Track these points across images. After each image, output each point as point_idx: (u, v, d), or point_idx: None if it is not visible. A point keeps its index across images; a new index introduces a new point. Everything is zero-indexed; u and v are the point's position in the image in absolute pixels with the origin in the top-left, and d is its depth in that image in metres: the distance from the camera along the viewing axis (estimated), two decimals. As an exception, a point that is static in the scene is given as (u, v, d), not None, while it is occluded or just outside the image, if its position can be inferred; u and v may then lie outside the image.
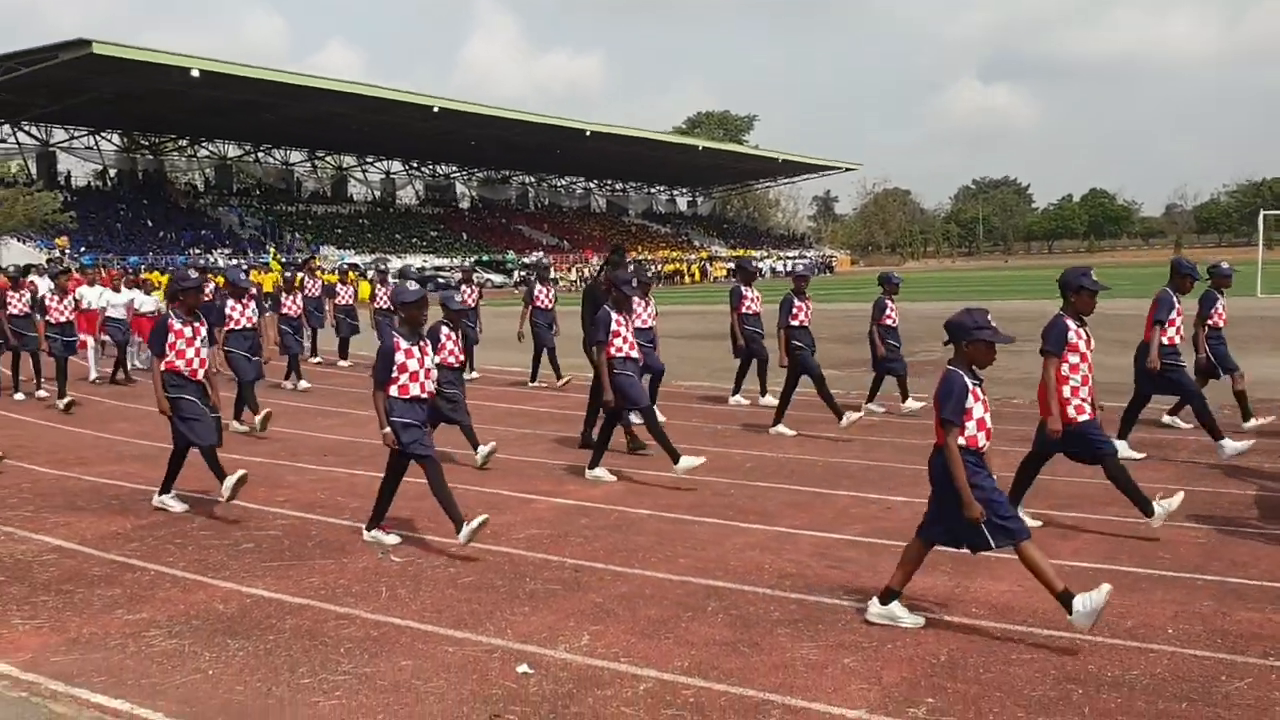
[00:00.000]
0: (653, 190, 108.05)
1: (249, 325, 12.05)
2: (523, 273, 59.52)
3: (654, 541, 6.95)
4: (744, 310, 12.45)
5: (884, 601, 5.30)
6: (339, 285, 20.24)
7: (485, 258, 69.29)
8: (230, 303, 12.07)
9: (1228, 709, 4.24)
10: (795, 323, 11.08)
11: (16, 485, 9.12)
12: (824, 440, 10.54)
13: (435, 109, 61.99)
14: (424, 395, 6.79)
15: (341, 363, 18.93)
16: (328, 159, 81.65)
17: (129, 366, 17.25)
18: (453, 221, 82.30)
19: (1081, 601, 4.90)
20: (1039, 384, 7.00)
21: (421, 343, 6.82)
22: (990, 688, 4.48)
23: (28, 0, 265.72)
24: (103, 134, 67.30)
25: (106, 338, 17.13)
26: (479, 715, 4.32)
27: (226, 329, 11.91)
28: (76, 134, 65.97)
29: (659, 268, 70.51)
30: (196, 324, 7.86)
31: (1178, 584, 5.86)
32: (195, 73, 50.04)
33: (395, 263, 48.42)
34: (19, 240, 46.51)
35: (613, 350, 8.72)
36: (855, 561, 6.41)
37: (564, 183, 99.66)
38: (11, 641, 5.28)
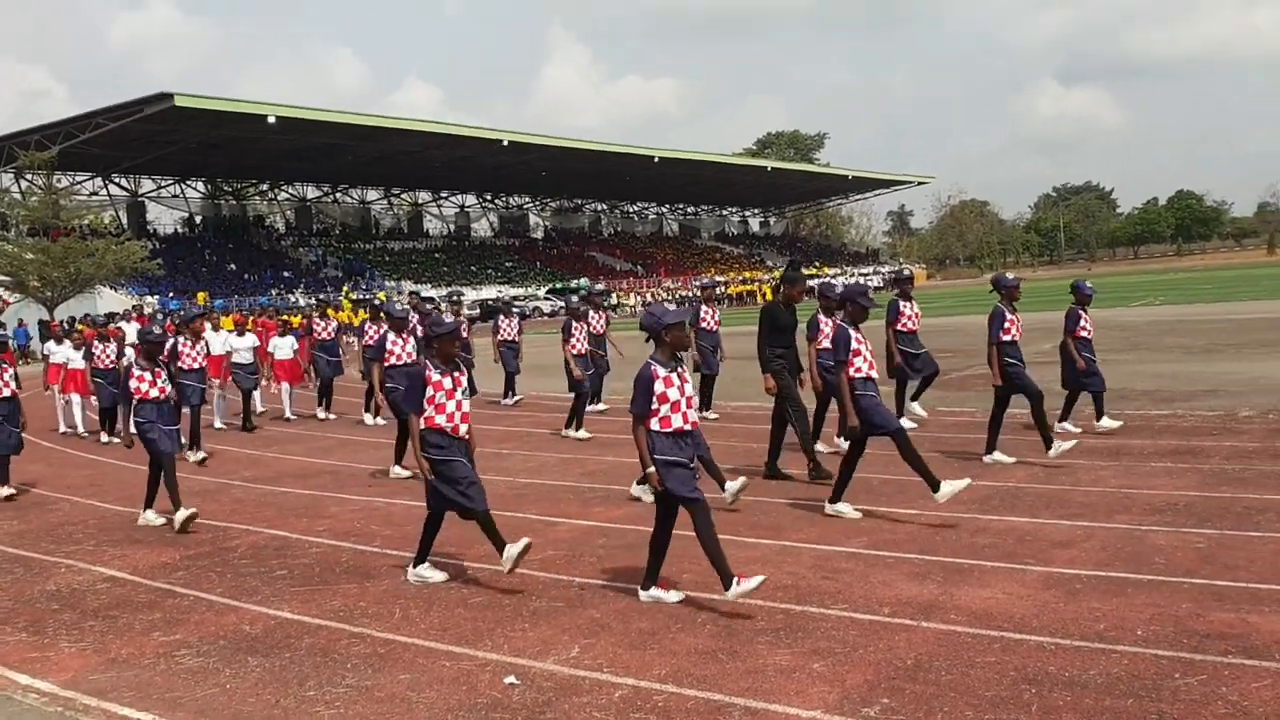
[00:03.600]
0: (724, 212, 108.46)
1: (410, 360, 11.36)
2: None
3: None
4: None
5: None
6: (317, 320, 18.15)
7: (559, 285, 70.17)
8: (391, 337, 11.65)
9: (1171, 704, 4.40)
10: (1007, 338, 10.16)
11: (84, 521, 9.79)
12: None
13: (504, 142, 63.29)
14: (687, 427, 6.12)
15: (320, 413, 17.21)
16: (403, 196, 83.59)
17: (256, 411, 17.06)
18: (526, 252, 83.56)
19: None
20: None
21: (680, 369, 6.18)
22: (947, 689, 4.69)
23: (129, 51, 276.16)
24: (188, 182, 69.92)
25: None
26: (461, 722, 4.66)
27: (386, 364, 11.44)
28: (163, 183, 68.64)
29: (725, 287, 70.65)
30: (456, 373, 6.88)
31: (1163, 588, 5.98)
32: (272, 119, 51.90)
33: (470, 295, 49.52)
34: (111, 288, 48.51)
35: (852, 371, 7.95)
36: (849, 573, 6.63)
37: (636, 208, 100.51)
38: (57, 662, 5.78)
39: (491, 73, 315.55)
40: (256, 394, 17.39)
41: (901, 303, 12.00)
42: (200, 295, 49.43)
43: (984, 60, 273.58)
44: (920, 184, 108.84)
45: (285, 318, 25.08)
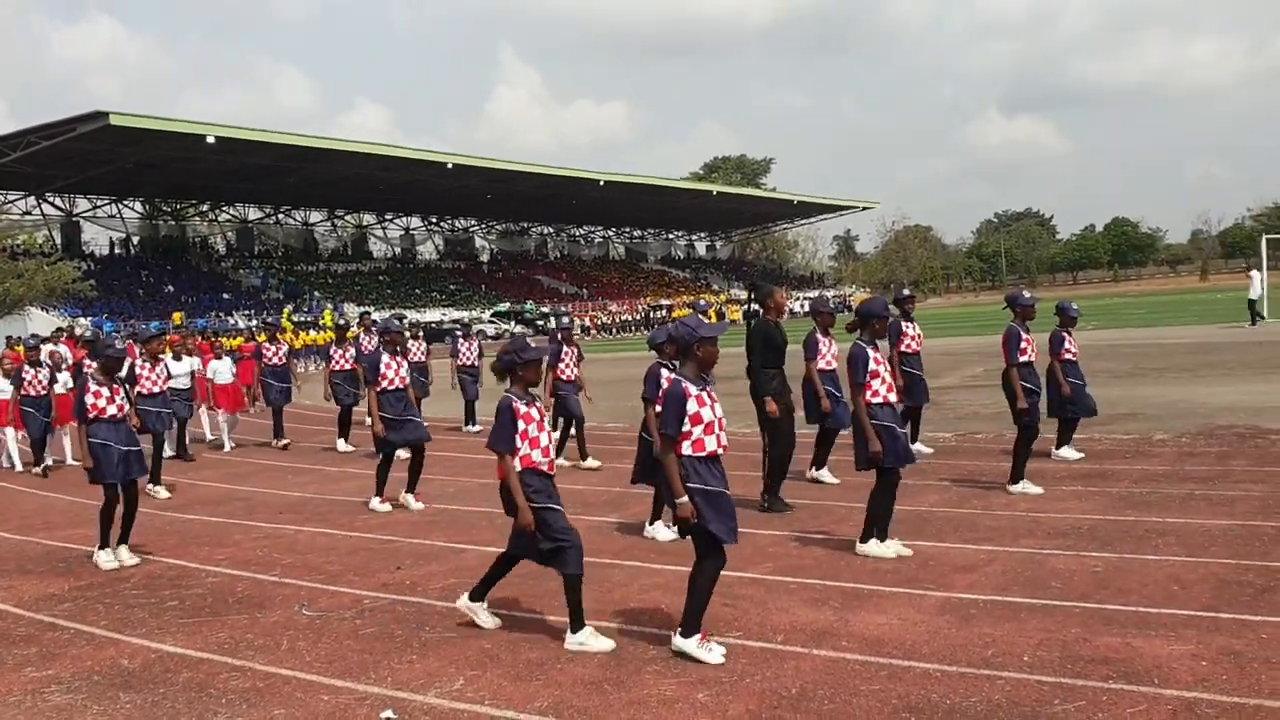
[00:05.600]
0: (671, 236, 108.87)
1: (403, 385, 10.60)
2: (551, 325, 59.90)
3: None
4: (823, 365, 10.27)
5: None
6: (266, 344, 17.05)
7: (503, 308, 69.90)
8: (385, 359, 10.59)
9: (1047, 732, 4.38)
10: (1024, 359, 9.81)
11: (-22, 551, 9.46)
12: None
13: (449, 165, 63.09)
14: (720, 450, 5.62)
15: (275, 442, 16.33)
16: (347, 218, 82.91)
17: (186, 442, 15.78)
18: (472, 274, 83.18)
19: None
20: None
21: (709, 387, 5.66)
22: (826, 718, 4.63)
23: (72, 71, 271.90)
24: (125, 202, 68.81)
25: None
26: (330, 758, 4.52)
27: (379, 389, 10.45)
28: (99, 203, 67.49)
29: (669, 312, 70.80)
30: (539, 404, 6.12)
31: (1056, 612, 5.98)
32: (211, 139, 51.25)
33: (413, 317, 49.09)
34: (42, 309, 47.49)
35: (869, 395, 7.44)
36: (749, 599, 6.56)
37: (582, 231, 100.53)
38: (-80, 701, 5.53)
39: (442, 95, 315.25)
40: (204, 419, 17.00)
41: (904, 323, 11.63)
42: (176, 315, 48.34)
43: (930, 88, 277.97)
44: (865, 209, 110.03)
45: (222, 340, 23.97)
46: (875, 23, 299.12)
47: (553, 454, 6.02)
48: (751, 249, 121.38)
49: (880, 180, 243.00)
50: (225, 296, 62.43)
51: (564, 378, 12.61)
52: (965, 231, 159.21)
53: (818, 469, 10.72)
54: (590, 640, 5.77)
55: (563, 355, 12.67)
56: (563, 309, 60.65)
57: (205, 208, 74.05)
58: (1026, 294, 10.39)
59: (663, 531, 8.39)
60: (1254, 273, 33.57)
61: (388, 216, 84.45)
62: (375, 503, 10.38)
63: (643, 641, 5.82)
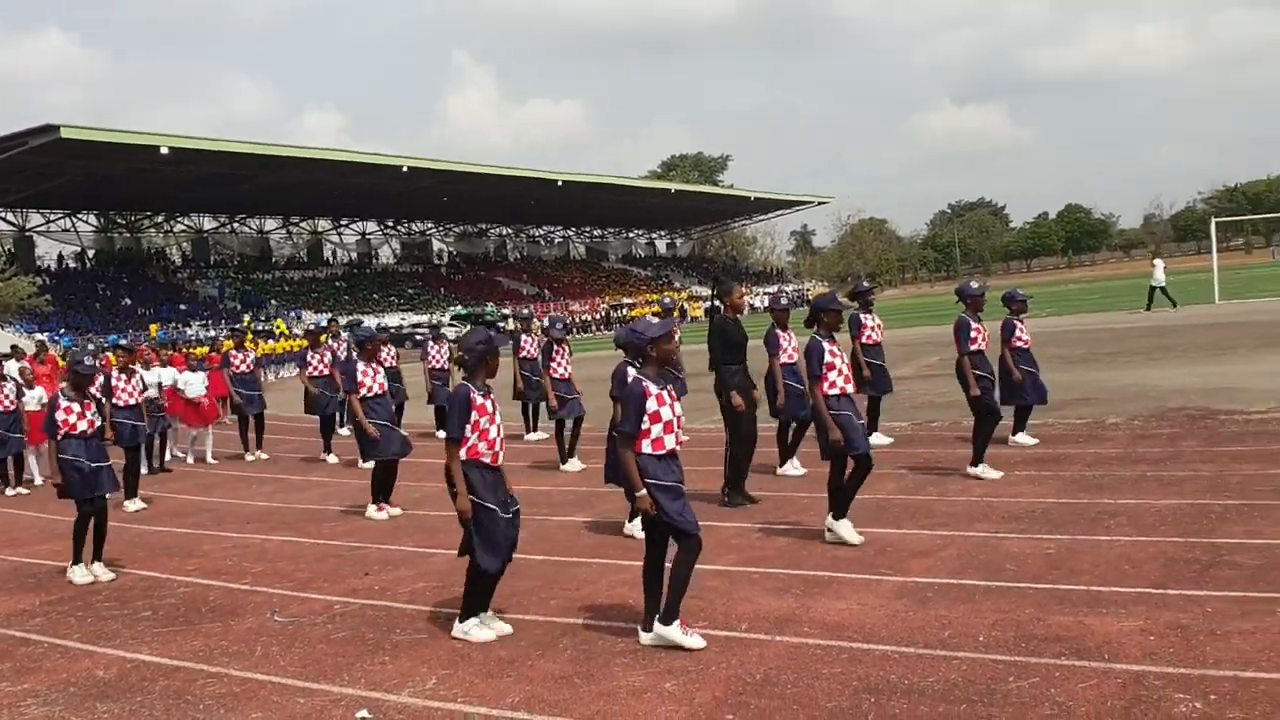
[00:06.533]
0: (632, 234, 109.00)
1: (382, 391, 10.64)
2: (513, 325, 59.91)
3: (536, 585, 7.26)
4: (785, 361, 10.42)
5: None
6: (233, 352, 16.62)
7: (464, 310, 69.73)
8: (361, 366, 10.60)
9: (1002, 707, 4.56)
10: (975, 348, 10.11)
11: (-56, 570, 9.43)
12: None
13: (404, 168, 62.81)
14: (677, 448, 5.79)
15: (249, 456, 16.12)
16: (303, 225, 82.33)
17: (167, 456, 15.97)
18: (430, 278, 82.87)
19: None
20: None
21: (669, 386, 5.82)
22: (790, 701, 4.80)
23: (24, 83, 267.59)
24: (79, 215, 67.94)
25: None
26: (308, 759, 4.63)
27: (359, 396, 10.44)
28: (53, 217, 66.60)
29: (626, 312, 70.97)
30: (494, 397, 6.25)
31: (1010, 593, 6.18)
32: (164, 150, 50.68)
33: (371, 322, 48.94)
34: (-2, 325, 46.90)
35: (826, 386, 7.60)
36: (715, 590, 6.72)
37: (542, 232, 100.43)
38: (-105, 720, 5.57)
39: (395, 98, 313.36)
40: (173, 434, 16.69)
41: (863, 315, 11.84)
42: (153, 327, 47.80)
43: (882, 81, 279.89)
44: (820, 204, 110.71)
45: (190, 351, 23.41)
46: (827, 16, 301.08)
47: (499, 448, 6.18)
48: (711, 246, 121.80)
49: (835, 174, 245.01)
50: (182, 307, 61.80)
51: (558, 376, 12.71)
52: (919, 223, 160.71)
53: (781, 464, 10.89)
54: (474, 630, 6.07)
55: (555, 354, 12.80)
56: (525, 310, 60.59)
57: (160, 219, 73.23)
58: (974, 284, 10.66)
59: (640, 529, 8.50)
60: (1157, 260, 34.74)
61: (343, 222, 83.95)
62: (372, 510, 10.38)
63: (611, 635, 5.96)
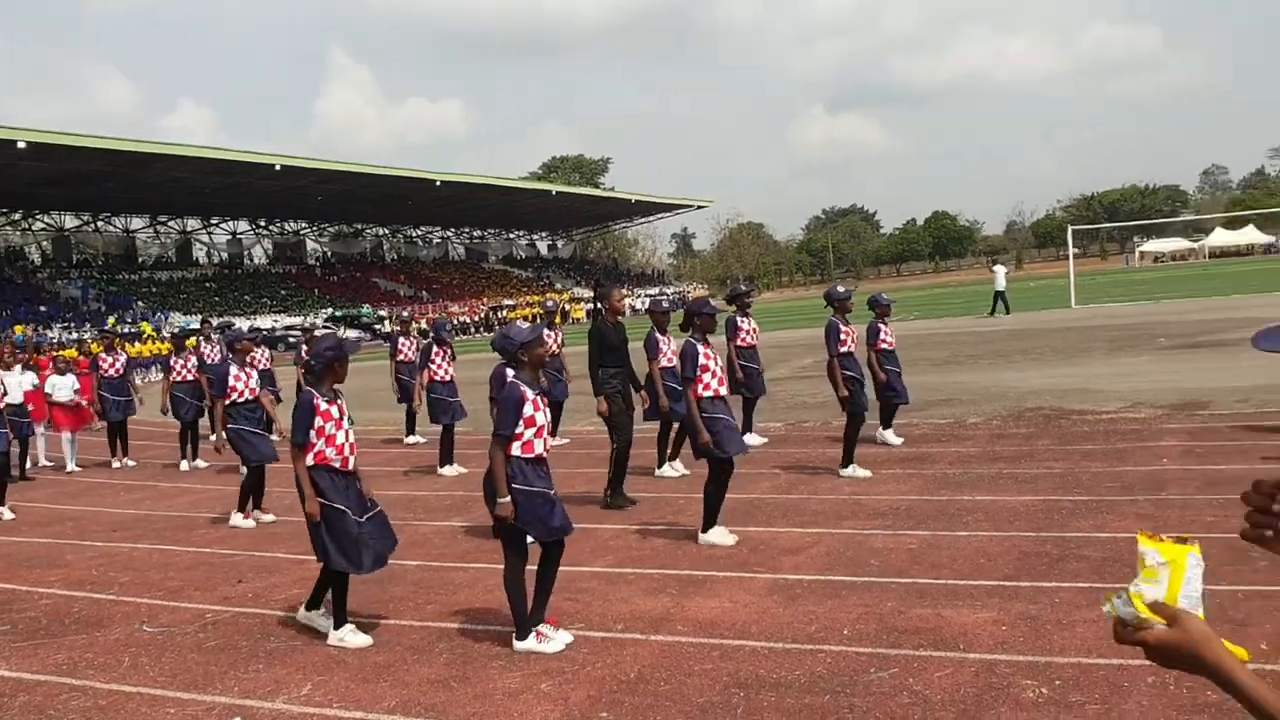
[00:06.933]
0: (512, 235, 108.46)
1: (253, 396, 10.40)
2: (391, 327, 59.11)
3: (411, 591, 7.26)
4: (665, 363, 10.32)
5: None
6: (102, 355, 16.07)
7: (339, 313, 68.48)
8: (234, 370, 10.32)
9: (864, 696, 4.77)
10: (844, 349, 10.43)
11: None
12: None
13: (277, 167, 61.32)
14: (545, 453, 5.88)
15: (116, 463, 15.33)
16: (171, 224, 79.74)
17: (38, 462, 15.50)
18: (304, 279, 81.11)
19: None
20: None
21: (540, 393, 5.90)
22: (663, 698, 4.93)
23: None
24: (-73, 211, 64.62)
25: None
26: (179, 770, 4.57)
27: (228, 401, 10.19)
28: (-102, 212, 63.21)
29: (506, 314, 70.73)
30: (341, 402, 6.31)
31: (874, 588, 6.45)
32: (21, 144, 48.48)
33: (243, 324, 47.68)
34: None
35: (700, 389, 7.75)
36: (591, 592, 6.83)
37: (420, 232, 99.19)
38: None
39: (269, 95, 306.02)
40: (40, 440, 16.02)
41: (739, 318, 12.04)
42: (18, 328, 45.39)
43: (760, 88, 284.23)
44: (700, 208, 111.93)
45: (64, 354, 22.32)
46: (707, 23, 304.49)
47: (349, 453, 6.23)
48: (593, 248, 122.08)
49: (715, 178, 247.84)
50: (42, 309, 59.19)
51: (439, 379, 12.70)
52: (795, 228, 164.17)
53: (660, 465, 11.07)
54: (349, 636, 6.10)
55: (434, 356, 12.77)
56: (405, 312, 59.86)
57: (18, 217, 70.03)
58: (841, 289, 11.04)
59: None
60: (998, 267, 36.37)
61: (213, 221, 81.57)
62: (237, 518, 10.15)
63: (487, 639, 6.02)
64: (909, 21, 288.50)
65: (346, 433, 6.22)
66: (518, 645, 5.75)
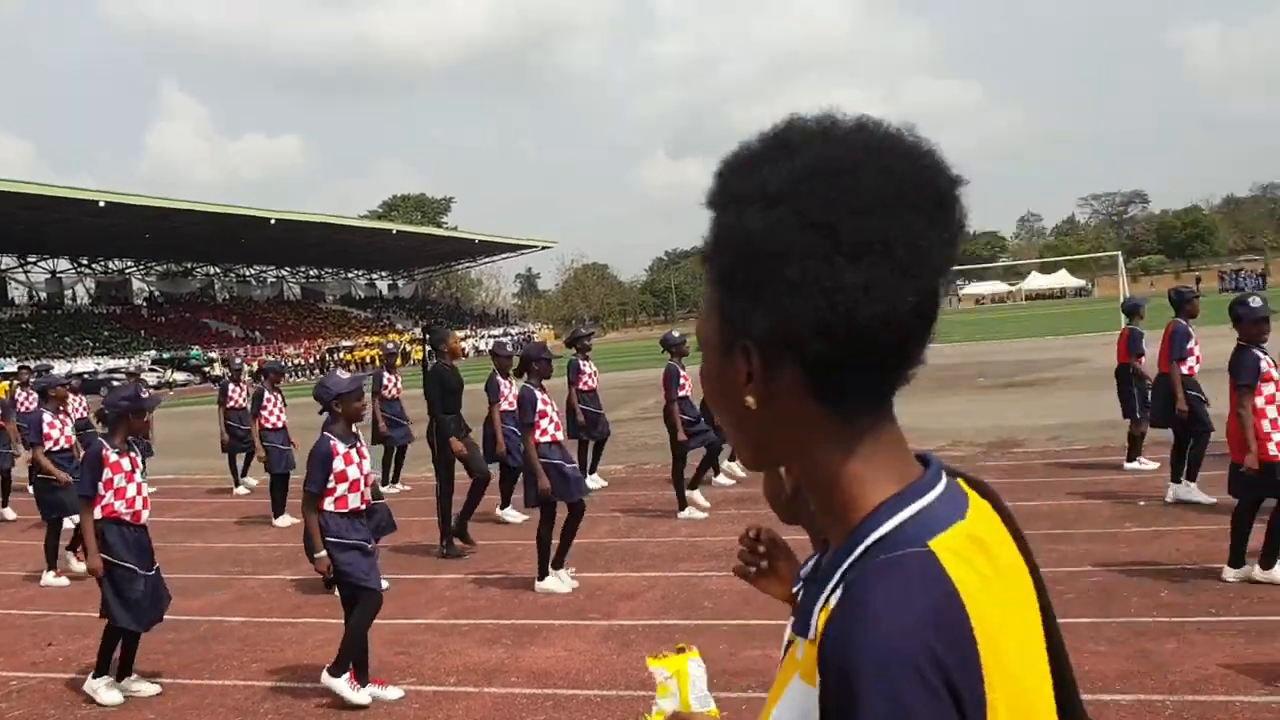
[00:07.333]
0: (351, 274, 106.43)
1: (68, 446, 10.40)
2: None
3: (236, 648, 7.01)
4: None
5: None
6: None
7: (166, 355, 65.81)
8: (47, 417, 10.32)
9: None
10: (683, 393, 10.71)
11: None
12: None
13: (101, 203, 58.71)
14: (363, 508, 5.80)
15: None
16: (-18, 261, 75.42)
17: None
18: (130, 319, 77.68)
19: None
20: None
21: (359, 444, 5.86)
22: (494, 752, 4.90)
23: None
24: None
25: None
26: None
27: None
28: None
29: (343, 355, 69.27)
30: (133, 454, 6.19)
31: (708, 631, 6.54)
32: None
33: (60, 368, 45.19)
34: None
35: (538, 434, 7.71)
36: (424, 645, 6.73)
37: (253, 272, 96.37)
38: None
39: (94, 128, 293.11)
40: None
41: (580, 361, 12.09)
42: None
43: (605, 131, 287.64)
44: (544, 248, 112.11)
45: None
46: (550, 67, 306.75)
47: (141, 506, 6.12)
48: (435, 287, 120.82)
49: (559, 219, 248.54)
50: None
51: (270, 426, 12.34)
52: (639, 268, 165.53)
53: (502, 508, 11.00)
54: (102, 691, 5.99)
55: (265, 403, 12.41)
56: (237, 359, 57.87)
57: None
58: (675, 334, 11.31)
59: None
60: None
61: (30, 259, 77.47)
62: (49, 577, 9.62)
63: (316, 695, 5.85)
64: (744, 72, 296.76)
65: (139, 486, 6.10)
66: (326, 678, 5.64)
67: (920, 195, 0.91)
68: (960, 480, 1.03)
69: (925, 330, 0.97)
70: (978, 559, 0.92)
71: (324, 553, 5.58)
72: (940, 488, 0.98)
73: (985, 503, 1.02)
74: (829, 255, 0.89)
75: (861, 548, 0.93)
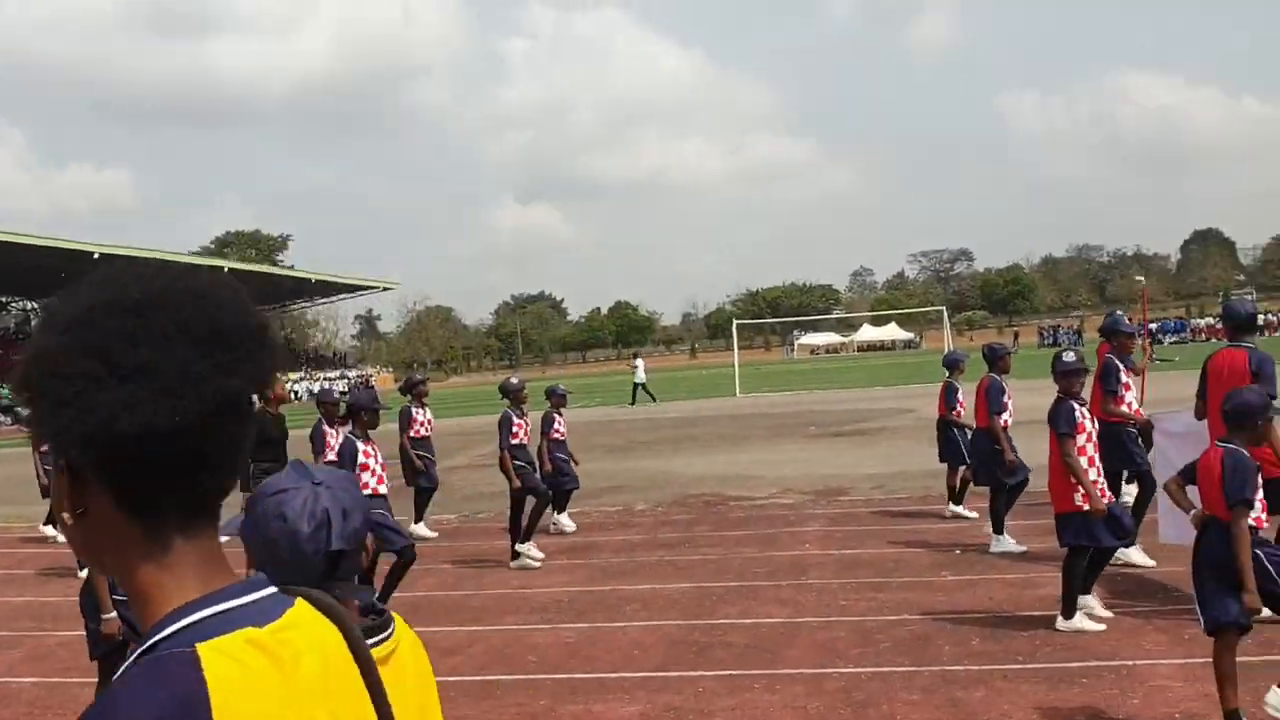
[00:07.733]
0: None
1: None
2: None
3: (24, 712, 6.64)
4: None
5: None
6: None
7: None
8: None
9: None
10: (516, 441, 10.58)
11: None
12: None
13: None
14: None
15: None
16: None
17: None
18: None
19: None
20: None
21: None
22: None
23: None
24: None
25: None
26: None
27: None
28: None
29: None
30: None
31: (530, 686, 6.44)
32: None
33: None
34: None
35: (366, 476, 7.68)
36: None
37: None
38: None
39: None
40: None
41: (414, 409, 11.92)
42: None
43: (452, 173, 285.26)
44: (386, 289, 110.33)
45: None
46: (395, 107, 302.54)
47: None
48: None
49: (403, 261, 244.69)
50: None
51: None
52: (485, 313, 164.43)
53: None
54: None
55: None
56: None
57: None
58: (515, 380, 11.33)
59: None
60: (638, 360, 38.66)
61: None
62: None
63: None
64: (588, 121, 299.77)
65: None
66: None
67: (198, 330, 1.03)
68: (304, 600, 1.08)
69: (222, 449, 1.06)
70: (255, 661, 0.97)
71: (113, 613, 5.38)
72: (251, 598, 1.04)
73: (324, 621, 1.07)
74: (101, 377, 0.99)
75: (141, 650, 0.99)
